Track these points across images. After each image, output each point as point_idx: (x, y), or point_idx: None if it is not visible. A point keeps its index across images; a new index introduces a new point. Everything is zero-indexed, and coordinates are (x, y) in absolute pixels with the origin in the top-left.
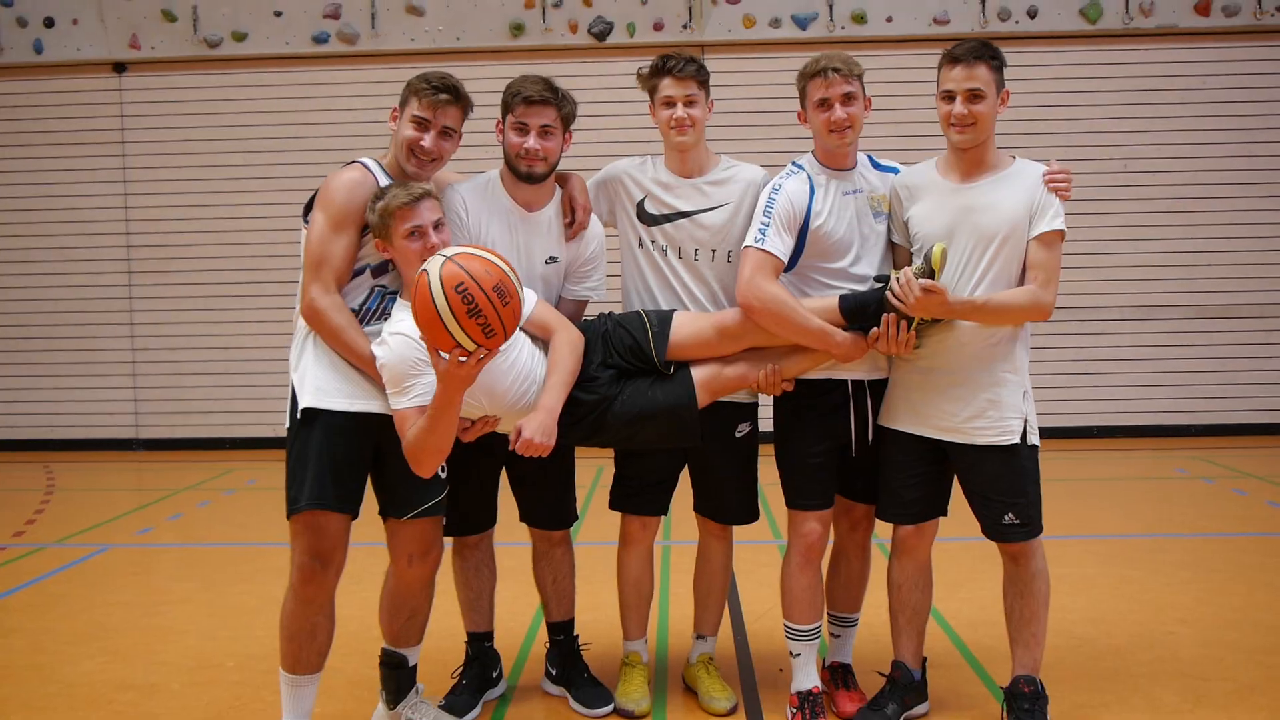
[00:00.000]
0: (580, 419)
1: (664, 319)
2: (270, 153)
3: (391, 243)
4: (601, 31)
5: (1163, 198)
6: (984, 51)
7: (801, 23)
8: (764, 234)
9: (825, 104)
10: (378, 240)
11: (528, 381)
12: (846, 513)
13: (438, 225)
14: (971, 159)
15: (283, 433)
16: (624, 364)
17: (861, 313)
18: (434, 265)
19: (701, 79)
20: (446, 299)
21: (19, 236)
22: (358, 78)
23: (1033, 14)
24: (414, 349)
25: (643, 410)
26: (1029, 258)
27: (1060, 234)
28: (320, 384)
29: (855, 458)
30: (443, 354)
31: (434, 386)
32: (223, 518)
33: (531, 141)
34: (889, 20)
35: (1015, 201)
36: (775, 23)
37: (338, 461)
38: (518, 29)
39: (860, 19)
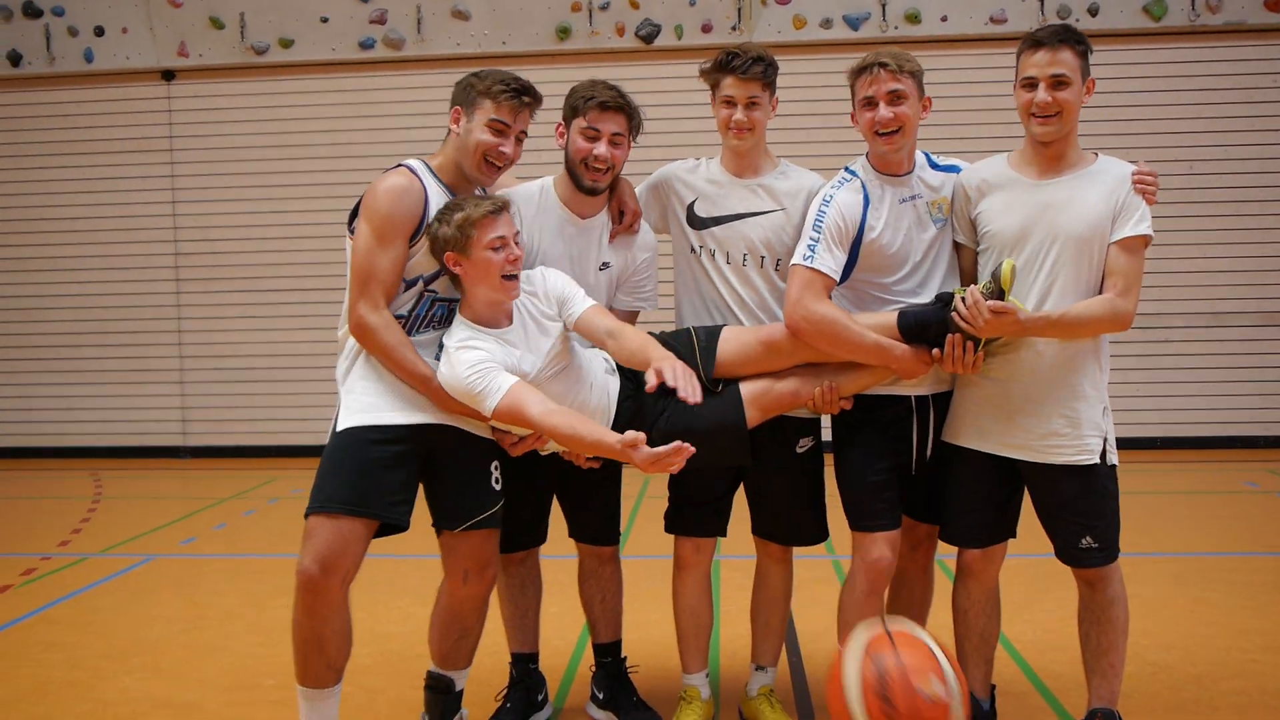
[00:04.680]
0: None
1: (711, 334)
2: (317, 159)
3: (469, 255)
4: (649, 34)
5: (1230, 200)
6: (1069, 35)
7: (853, 23)
8: (813, 250)
9: (870, 103)
10: (450, 254)
11: (604, 394)
12: (908, 532)
13: (517, 237)
14: (1052, 154)
15: (324, 440)
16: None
17: (922, 332)
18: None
19: (767, 80)
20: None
21: (69, 245)
22: (404, 83)
23: (1094, 11)
24: (474, 353)
25: (689, 428)
26: (1109, 263)
27: (1146, 239)
28: (369, 403)
29: (915, 474)
30: None
31: (506, 361)
32: (267, 527)
33: (602, 148)
34: (944, 20)
35: (1096, 199)
36: (826, 23)
37: (376, 470)
38: (564, 32)
39: (914, 19)
